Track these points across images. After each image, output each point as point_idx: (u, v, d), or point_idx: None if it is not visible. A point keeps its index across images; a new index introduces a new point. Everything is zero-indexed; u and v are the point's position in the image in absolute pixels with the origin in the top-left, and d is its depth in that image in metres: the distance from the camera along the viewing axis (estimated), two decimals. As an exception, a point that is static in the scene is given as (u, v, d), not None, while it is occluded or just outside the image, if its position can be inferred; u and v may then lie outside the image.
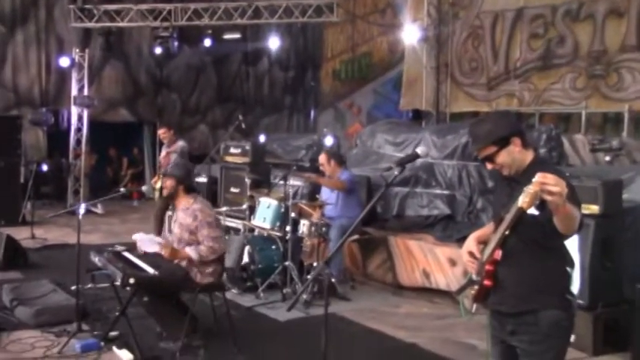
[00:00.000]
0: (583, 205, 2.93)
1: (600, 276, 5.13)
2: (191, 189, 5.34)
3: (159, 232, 8.70)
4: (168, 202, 8.83)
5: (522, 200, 2.44)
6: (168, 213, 8.37)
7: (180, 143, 8.97)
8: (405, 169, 3.13)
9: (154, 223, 9.05)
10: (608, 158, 7.08)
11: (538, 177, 2.41)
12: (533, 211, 2.52)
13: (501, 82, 12.32)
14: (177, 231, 5.16)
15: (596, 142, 7.35)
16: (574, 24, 11.07)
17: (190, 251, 5.00)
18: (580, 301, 4.71)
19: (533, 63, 11.69)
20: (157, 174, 9.12)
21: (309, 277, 6.70)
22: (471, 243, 3.05)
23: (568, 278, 2.91)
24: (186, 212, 5.14)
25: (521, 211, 2.53)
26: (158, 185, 8.83)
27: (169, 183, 5.26)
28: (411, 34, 12.75)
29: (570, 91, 11.11)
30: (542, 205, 2.49)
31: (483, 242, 3.04)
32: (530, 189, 2.42)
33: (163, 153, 9.06)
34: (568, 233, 2.65)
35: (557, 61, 11.32)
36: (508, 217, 2.68)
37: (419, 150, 3.14)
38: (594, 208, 5.08)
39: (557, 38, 11.30)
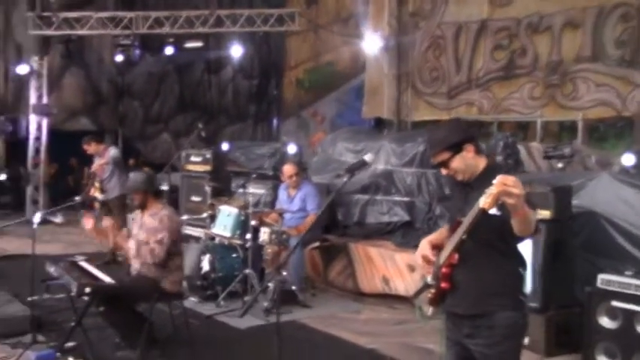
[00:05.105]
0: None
1: (552, 279, 5.27)
2: (158, 194, 5.37)
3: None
4: (111, 211, 8.77)
5: (484, 201, 2.48)
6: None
7: (112, 152, 8.82)
8: (353, 176, 3.18)
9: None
10: (560, 165, 7.26)
11: (499, 179, 2.46)
12: (494, 211, 2.54)
13: (462, 91, 12.51)
14: (143, 236, 5.10)
15: (549, 150, 7.53)
16: (534, 35, 11.33)
17: (131, 244, 5.06)
18: (532, 304, 4.83)
19: (496, 73, 11.91)
20: (92, 185, 8.90)
21: (269, 284, 6.71)
22: (424, 247, 3.08)
23: (521, 280, 2.99)
24: (154, 217, 5.13)
25: (483, 212, 2.54)
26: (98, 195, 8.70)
27: (137, 197, 5.23)
28: (372, 43, 12.89)
29: (527, 100, 11.35)
30: (501, 206, 2.55)
31: (437, 246, 3.07)
32: (491, 190, 2.47)
33: (95, 165, 8.83)
34: (525, 235, 2.71)
35: (518, 71, 11.55)
36: (467, 220, 2.71)
37: (366, 157, 3.19)
38: (545, 213, 5.21)
39: (519, 50, 11.55)
